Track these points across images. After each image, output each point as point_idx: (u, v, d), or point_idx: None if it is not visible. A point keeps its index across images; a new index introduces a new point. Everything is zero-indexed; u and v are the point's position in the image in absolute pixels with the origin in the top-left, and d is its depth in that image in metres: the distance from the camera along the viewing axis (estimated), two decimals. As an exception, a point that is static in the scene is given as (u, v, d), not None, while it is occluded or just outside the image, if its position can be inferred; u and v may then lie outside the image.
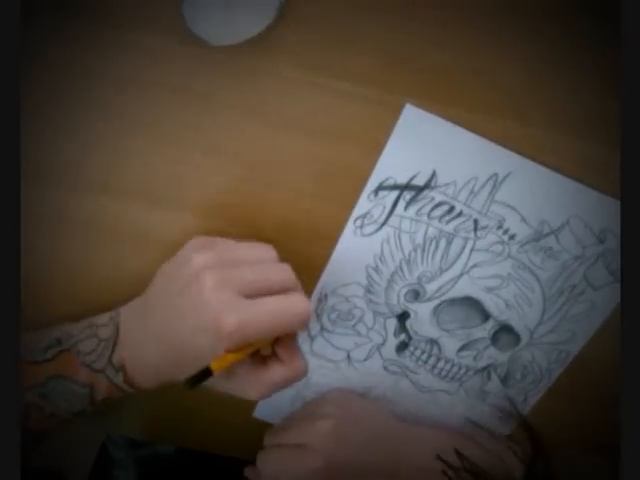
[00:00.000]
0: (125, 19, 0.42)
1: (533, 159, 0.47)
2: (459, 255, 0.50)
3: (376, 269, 0.51)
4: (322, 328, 0.54)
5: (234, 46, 0.42)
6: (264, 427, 0.59)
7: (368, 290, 0.52)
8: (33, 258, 0.49)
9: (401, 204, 0.48)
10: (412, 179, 0.48)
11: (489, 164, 0.47)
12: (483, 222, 0.49)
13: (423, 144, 0.46)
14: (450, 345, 0.54)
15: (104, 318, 0.47)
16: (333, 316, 0.53)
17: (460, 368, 0.55)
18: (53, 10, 0.41)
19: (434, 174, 0.47)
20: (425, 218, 0.49)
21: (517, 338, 0.54)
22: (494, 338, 0.54)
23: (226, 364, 0.41)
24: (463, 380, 0.56)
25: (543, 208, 0.49)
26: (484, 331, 0.54)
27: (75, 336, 0.46)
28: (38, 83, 0.44)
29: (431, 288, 0.52)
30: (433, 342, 0.54)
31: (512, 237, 0.50)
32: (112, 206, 0.48)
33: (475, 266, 0.51)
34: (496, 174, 0.47)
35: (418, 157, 0.47)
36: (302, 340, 0.54)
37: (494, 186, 0.48)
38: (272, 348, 0.45)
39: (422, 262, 0.51)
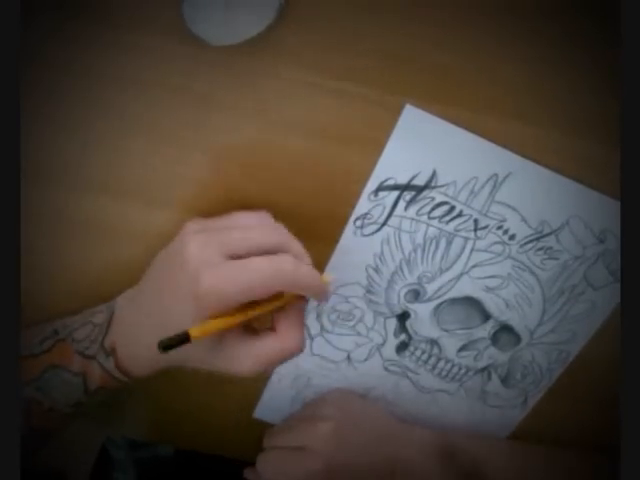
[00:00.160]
0: (125, 19, 0.42)
1: (533, 159, 0.47)
2: (459, 255, 0.50)
3: (376, 269, 0.51)
4: (322, 328, 0.54)
5: (234, 46, 0.42)
6: (264, 428, 0.59)
7: (368, 290, 0.52)
8: (33, 258, 0.49)
9: (401, 204, 0.48)
10: (412, 179, 0.48)
11: (489, 164, 0.47)
12: (483, 222, 0.49)
13: (423, 144, 0.46)
14: (450, 345, 0.54)
15: (101, 306, 0.47)
16: (333, 316, 0.53)
17: (460, 368, 0.55)
18: (53, 10, 0.41)
19: (434, 174, 0.47)
20: (425, 218, 0.49)
21: (517, 338, 0.54)
22: (494, 338, 0.54)
23: (208, 331, 0.38)
24: (463, 380, 0.56)
25: (543, 208, 0.49)
26: (484, 331, 0.54)
27: (70, 325, 0.46)
28: (38, 83, 0.43)
29: (431, 288, 0.52)
30: (433, 342, 0.54)
31: (512, 237, 0.50)
32: (112, 206, 0.48)
33: (475, 266, 0.51)
34: (496, 174, 0.47)
35: (418, 157, 0.47)
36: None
37: (494, 186, 0.48)
38: (272, 323, 0.43)
39: (422, 262, 0.51)
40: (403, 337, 0.54)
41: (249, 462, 0.58)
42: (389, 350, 0.55)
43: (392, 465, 0.54)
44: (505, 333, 0.54)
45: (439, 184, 0.48)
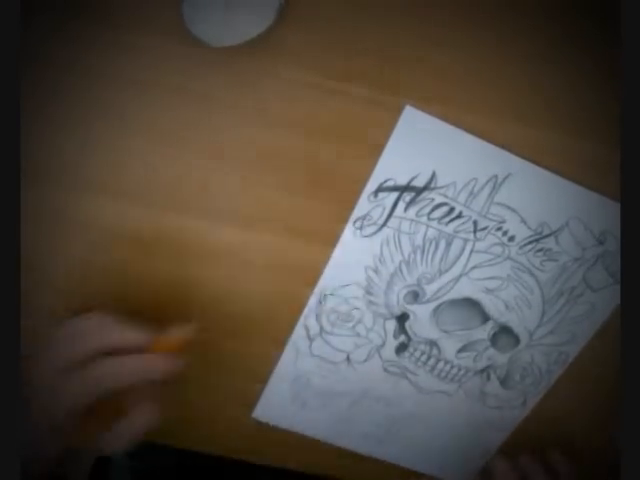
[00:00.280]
0: (125, 19, 0.42)
1: (533, 161, 0.47)
2: (458, 256, 0.50)
3: (375, 270, 0.51)
4: (322, 329, 0.54)
5: (234, 47, 0.42)
6: (262, 428, 0.59)
7: (367, 291, 0.52)
8: (32, 257, 0.49)
9: (401, 205, 0.48)
10: (412, 180, 0.48)
11: (489, 166, 0.47)
12: (483, 223, 0.49)
13: (423, 146, 0.46)
14: (449, 346, 0.54)
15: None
16: (332, 317, 0.53)
17: (460, 369, 0.55)
18: (54, 10, 0.42)
19: (434, 175, 0.47)
20: (425, 219, 0.49)
21: (516, 339, 0.54)
22: (494, 339, 0.54)
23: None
24: (462, 381, 0.56)
25: (543, 210, 0.49)
26: (484, 332, 0.54)
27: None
28: (38, 83, 0.44)
29: (430, 289, 0.52)
30: (432, 343, 0.54)
31: (511, 239, 0.50)
32: (111, 206, 0.48)
33: (474, 267, 0.51)
34: (496, 176, 0.47)
35: (418, 158, 0.47)
36: (302, 341, 0.54)
37: (494, 187, 0.48)
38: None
39: (421, 263, 0.51)
40: (402, 338, 0.54)
41: (248, 463, 0.58)
42: (388, 351, 0.55)
43: None
44: (504, 334, 0.54)
45: (439, 185, 0.48)
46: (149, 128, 0.46)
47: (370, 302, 0.52)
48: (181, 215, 0.49)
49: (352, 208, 0.49)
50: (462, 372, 0.56)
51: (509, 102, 0.46)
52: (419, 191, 0.48)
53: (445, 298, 0.52)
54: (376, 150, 0.47)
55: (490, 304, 0.52)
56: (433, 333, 0.54)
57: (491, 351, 0.54)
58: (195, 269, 0.51)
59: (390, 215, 0.49)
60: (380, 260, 0.51)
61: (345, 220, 0.49)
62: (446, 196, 0.48)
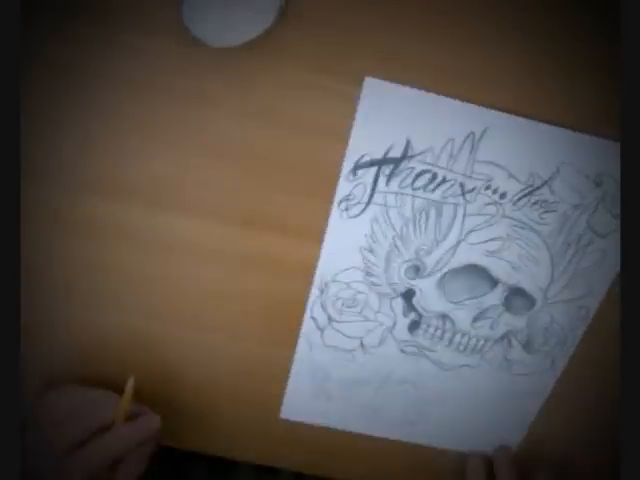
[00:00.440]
0: (124, 20, 0.42)
1: (508, 111, 0.45)
2: (452, 223, 0.49)
3: (370, 250, 0.50)
4: (330, 318, 0.53)
5: (233, 47, 0.42)
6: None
7: (367, 273, 0.51)
8: (30, 257, 0.49)
9: (382, 180, 0.48)
10: (387, 152, 0.47)
11: (463, 123, 0.46)
12: (470, 184, 0.48)
13: (392, 115, 0.45)
14: (463, 317, 0.53)
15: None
16: (338, 304, 0.52)
17: (478, 340, 0.54)
18: (53, 10, 0.42)
19: (409, 143, 0.46)
20: (409, 190, 0.48)
21: (531, 300, 0.52)
22: (507, 303, 0.52)
23: None
24: (484, 352, 0.54)
25: (529, 160, 0.47)
26: (495, 297, 0.52)
27: None
28: (37, 83, 0.44)
29: (431, 261, 0.50)
30: (444, 317, 0.53)
31: (503, 195, 0.48)
32: (110, 206, 0.48)
33: (471, 231, 0.49)
34: (472, 132, 0.46)
35: (389, 129, 0.46)
36: (313, 333, 0.53)
37: (473, 145, 0.46)
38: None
39: (416, 236, 0.49)
40: (413, 316, 0.53)
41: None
42: (401, 331, 0.53)
43: None
44: (517, 296, 0.52)
45: (416, 152, 0.47)
46: (148, 128, 0.46)
47: (372, 283, 0.51)
48: (179, 214, 0.49)
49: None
50: (481, 342, 0.54)
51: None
52: (397, 162, 0.47)
53: (447, 268, 0.51)
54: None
55: (495, 267, 0.50)
56: (443, 306, 0.52)
57: (507, 316, 0.52)
58: (194, 267, 0.51)
59: (373, 191, 0.48)
60: (373, 239, 0.50)
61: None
62: (426, 162, 0.47)
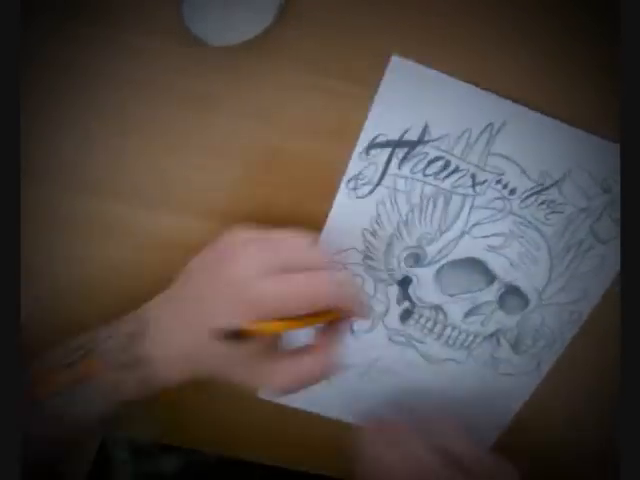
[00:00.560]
0: (124, 19, 0.42)
1: (529, 106, 0.45)
2: (458, 214, 0.49)
3: (373, 233, 0.49)
4: (322, 299, 0.52)
5: (233, 46, 0.41)
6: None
7: (366, 256, 0.50)
8: (30, 257, 0.48)
9: (394, 162, 0.47)
10: (404, 134, 0.46)
11: (483, 114, 0.45)
12: (481, 177, 0.47)
13: (413, 97, 0.45)
14: (456, 311, 0.52)
15: (128, 316, 0.45)
16: (332, 286, 0.51)
17: (468, 335, 0.53)
18: (53, 10, 0.41)
19: (426, 127, 0.46)
20: (420, 176, 0.47)
21: (525, 300, 0.52)
22: (501, 301, 0.52)
23: (262, 330, 0.40)
24: (472, 347, 0.54)
25: (543, 158, 0.47)
26: (490, 294, 0.51)
27: (97, 337, 0.45)
28: (37, 82, 0.43)
29: (432, 250, 0.50)
30: (438, 308, 0.52)
31: (512, 191, 0.48)
32: (110, 206, 0.48)
33: (476, 224, 0.49)
34: (491, 124, 0.46)
35: (408, 111, 0.45)
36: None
37: (490, 137, 0.46)
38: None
39: (420, 223, 0.49)
40: (406, 304, 0.52)
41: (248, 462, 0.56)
42: (393, 319, 0.53)
43: None
44: (512, 295, 0.51)
45: (432, 138, 0.46)
46: (148, 127, 0.45)
47: (370, 267, 0.51)
48: (180, 214, 0.48)
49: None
50: (470, 338, 0.53)
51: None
52: (412, 145, 0.46)
53: (448, 259, 0.50)
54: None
55: (495, 263, 0.50)
56: (438, 297, 0.52)
57: (499, 314, 0.52)
58: None
59: (384, 173, 0.47)
60: (377, 222, 0.49)
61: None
62: (441, 149, 0.46)
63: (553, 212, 0.48)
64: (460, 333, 0.53)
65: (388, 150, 0.46)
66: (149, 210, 0.48)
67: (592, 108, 0.45)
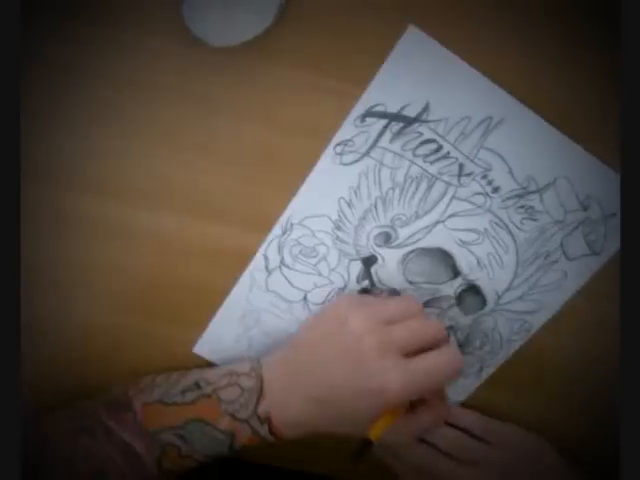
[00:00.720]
0: (124, 19, 0.42)
1: (531, 107, 0.45)
2: (438, 201, 0.48)
3: (349, 203, 0.48)
4: (282, 262, 0.50)
5: (233, 46, 0.41)
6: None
7: (337, 226, 0.49)
8: (31, 257, 0.47)
9: (387, 135, 0.46)
10: (403, 109, 0.45)
11: (485, 105, 0.45)
12: (469, 168, 0.47)
13: (420, 72, 0.44)
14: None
15: (244, 367, 0.48)
16: (295, 250, 0.50)
17: (419, 326, 0.52)
18: (53, 10, 0.41)
19: (427, 107, 0.45)
20: (410, 155, 0.46)
21: (483, 301, 0.51)
22: (460, 298, 0.51)
23: (384, 430, 0.44)
24: (420, 339, 0.53)
25: (532, 163, 0.47)
26: (451, 289, 0.51)
27: (214, 383, 0.47)
28: (38, 83, 0.43)
29: (403, 233, 0.49)
30: (396, 293, 0.51)
31: (496, 189, 0.47)
32: (111, 205, 0.47)
33: (453, 215, 0.48)
34: (490, 117, 0.45)
35: (413, 85, 0.44)
36: (259, 273, 0.50)
37: (486, 130, 0.45)
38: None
39: (399, 203, 0.48)
40: (366, 284, 0.51)
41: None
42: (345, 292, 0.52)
43: None
44: (471, 294, 0.51)
45: (430, 119, 0.45)
46: (148, 128, 0.45)
47: (338, 238, 0.49)
48: (181, 215, 0.48)
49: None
50: (422, 329, 0.53)
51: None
52: (409, 122, 0.45)
53: (417, 245, 0.49)
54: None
55: (462, 258, 0.50)
56: (399, 282, 0.51)
57: (455, 310, 0.52)
58: (195, 268, 0.50)
59: (374, 144, 0.46)
60: (356, 193, 0.48)
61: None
62: (436, 132, 0.45)
63: (529, 218, 0.48)
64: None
65: (384, 122, 0.45)
66: (149, 210, 0.48)
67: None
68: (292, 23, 0.42)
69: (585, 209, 0.48)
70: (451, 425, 0.52)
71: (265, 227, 0.49)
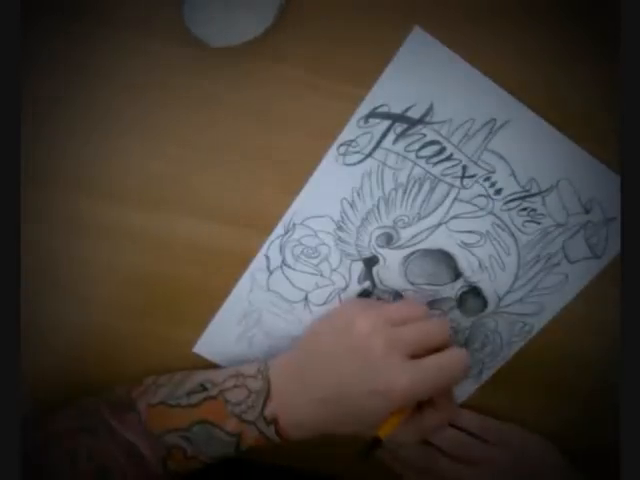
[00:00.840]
0: (125, 20, 0.42)
1: (534, 109, 0.45)
2: (440, 203, 0.48)
3: (352, 204, 0.48)
4: (283, 262, 0.50)
5: (234, 47, 0.41)
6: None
7: (339, 227, 0.49)
8: (31, 258, 0.48)
9: (390, 136, 0.46)
10: (407, 110, 0.45)
11: (489, 107, 0.45)
12: (472, 170, 0.47)
13: (425, 74, 0.44)
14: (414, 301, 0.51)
15: (251, 369, 0.48)
16: (297, 250, 0.50)
17: (421, 327, 0.52)
18: (54, 12, 0.41)
19: (431, 108, 0.45)
20: (413, 156, 0.46)
21: (484, 303, 0.51)
22: (461, 300, 0.51)
23: (392, 429, 0.44)
24: (421, 341, 0.53)
25: (535, 165, 0.47)
26: (452, 290, 0.51)
27: (220, 384, 0.47)
28: (38, 84, 0.43)
29: (405, 234, 0.49)
30: (397, 295, 0.51)
31: (498, 192, 0.47)
32: (111, 207, 0.47)
33: (455, 217, 0.48)
34: (494, 119, 0.45)
35: (417, 87, 0.44)
36: (260, 273, 0.50)
37: (490, 132, 0.45)
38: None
39: (401, 204, 0.48)
40: (367, 284, 0.51)
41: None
42: (350, 297, 0.51)
43: None
44: (472, 296, 0.51)
45: (434, 120, 0.45)
46: (149, 129, 0.45)
47: (340, 239, 0.49)
48: (180, 214, 0.48)
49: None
50: (423, 330, 0.53)
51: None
52: (413, 123, 0.45)
53: (419, 246, 0.49)
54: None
55: (464, 260, 0.50)
56: (400, 284, 0.51)
57: (456, 312, 0.52)
58: (195, 267, 0.50)
59: (378, 145, 0.46)
60: (359, 193, 0.47)
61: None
62: (439, 134, 0.45)
63: (532, 221, 0.48)
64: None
65: (387, 122, 0.45)
66: (150, 211, 0.48)
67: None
68: (292, 24, 0.42)
69: (587, 212, 0.48)
70: (451, 425, 0.52)
71: (266, 227, 0.49)
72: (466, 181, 0.47)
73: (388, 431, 0.44)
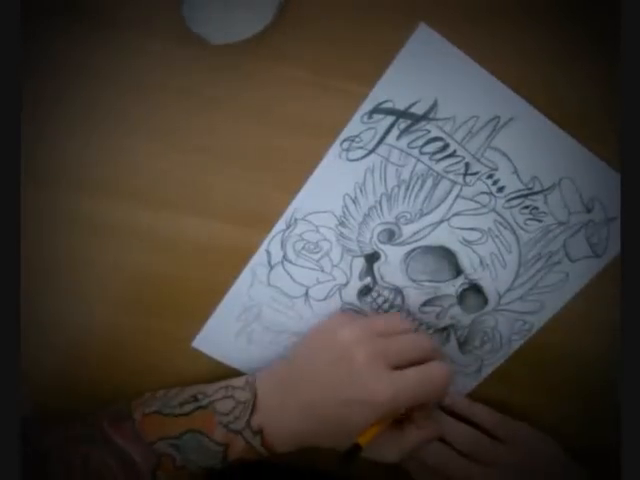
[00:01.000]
0: (125, 20, 0.42)
1: (537, 107, 0.45)
2: (443, 199, 0.48)
3: (354, 200, 0.48)
4: (285, 257, 0.50)
5: (234, 46, 0.41)
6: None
7: (341, 222, 0.49)
8: (31, 257, 0.48)
9: (394, 132, 0.46)
10: (411, 106, 0.45)
11: (493, 105, 0.45)
12: (475, 167, 0.47)
13: (430, 70, 0.44)
14: (415, 297, 0.51)
15: (240, 381, 0.49)
16: (299, 246, 0.50)
17: (420, 324, 0.53)
18: (54, 12, 0.41)
19: (435, 104, 0.45)
20: (416, 152, 0.46)
21: (484, 300, 0.51)
22: (461, 297, 0.51)
23: (372, 436, 0.45)
24: (421, 338, 0.53)
25: (538, 163, 0.47)
26: (452, 287, 0.51)
27: (211, 395, 0.48)
28: (39, 84, 0.43)
29: (407, 231, 0.49)
30: (398, 291, 0.51)
31: (500, 189, 0.47)
32: (111, 206, 0.47)
33: (457, 214, 0.48)
34: (498, 117, 0.45)
35: (422, 83, 0.44)
36: (261, 268, 0.50)
37: (494, 130, 0.45)
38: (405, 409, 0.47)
39: (404, 200, 0.48)
40: (368, 280, 0.51)
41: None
42: (351, 292, 0.51)
43: None
44: (473, 293, 0.51)
45: (438, 117, 0.45)
46: (149, 128, 0.45)
47: (342, 235, 0.49)
48: (183, 215, 0.48)
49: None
50: (422, 327, 0.53)
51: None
52: (417, 119, 0.45)
53: (420, 243, 0.49)
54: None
55: (465, 257, 0.50)
56: (401, 280, 0.51)
57: (456, 309, 0.52)
58: (198, 265, 0.50)
59: (381, 141, 0.46)
60: (361, 189, 0.47)
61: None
62: (443, 130, 0.45)
63: (533, 219, 0.48)
64: (413, 321, 0.52)
65: (391, 118, 0.45)
66: (150, 210, 0.48)
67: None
68: (292, 21, 0.42)
69: (589, 211, 0.48)
70: (462, 420, 0.52)
71: (267, 224, 0.49)
72: (469, 178, 0.47)
73: (369, 438, 0.45)
